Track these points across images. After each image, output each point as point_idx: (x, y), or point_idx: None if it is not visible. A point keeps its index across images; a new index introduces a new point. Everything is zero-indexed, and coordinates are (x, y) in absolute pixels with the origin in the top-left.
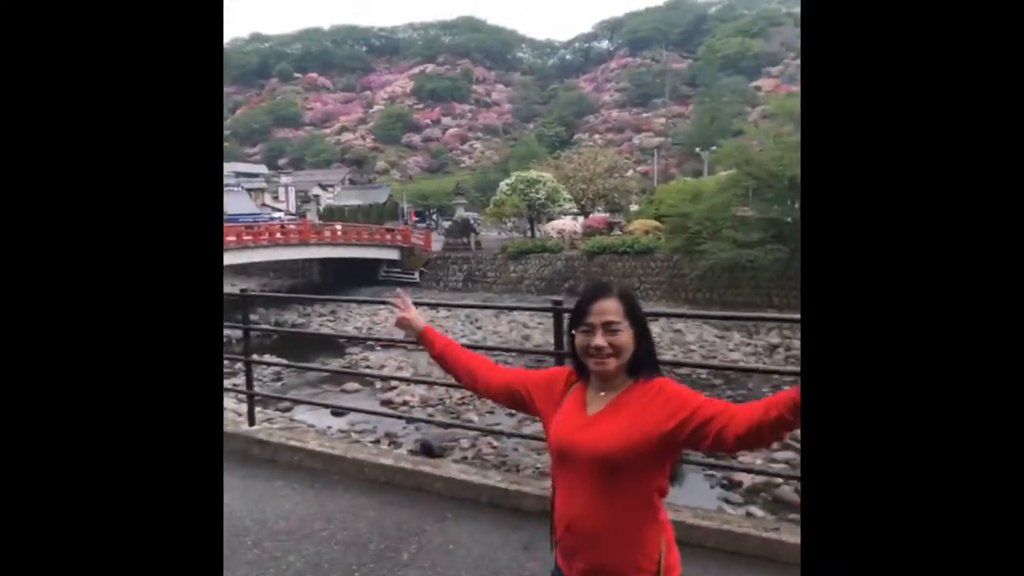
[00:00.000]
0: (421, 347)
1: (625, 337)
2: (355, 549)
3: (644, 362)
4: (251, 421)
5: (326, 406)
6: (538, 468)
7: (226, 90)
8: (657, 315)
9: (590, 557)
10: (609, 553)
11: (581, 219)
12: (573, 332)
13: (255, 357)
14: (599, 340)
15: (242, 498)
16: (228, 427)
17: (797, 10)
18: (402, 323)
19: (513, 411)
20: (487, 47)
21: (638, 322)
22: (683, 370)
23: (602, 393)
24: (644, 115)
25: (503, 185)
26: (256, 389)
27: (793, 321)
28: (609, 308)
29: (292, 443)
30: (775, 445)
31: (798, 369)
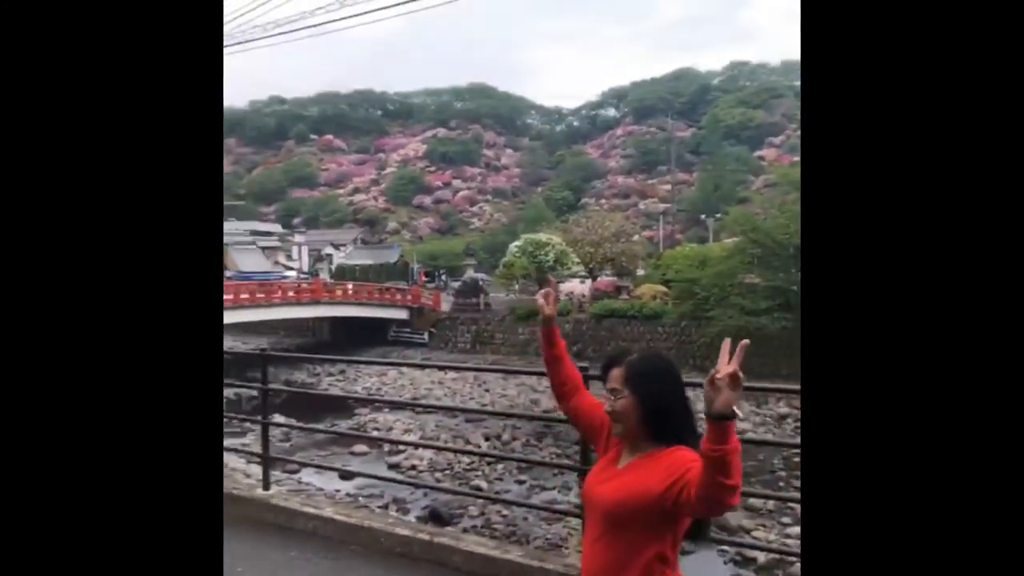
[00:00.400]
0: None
1: (623, 404)
2: None
3: (663, 429)
4: (266, 485)
5: (335, 469)
6: (548, 539)
7: (244, 150)
8: None
9: None
10: None
11: (589, 282)
12: None
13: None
14: (607, 405)
15: (256, 568)
16: (242, 492)
17: (798, 83)
18: (542, 308)
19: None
20: (497, 113)
21: (639, 389)
22: None
23: (631, 452)
24: (649, 182)
25: (513, 247)
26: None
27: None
28: (615, 375)
29: (307, 509)
30: (788, 519)
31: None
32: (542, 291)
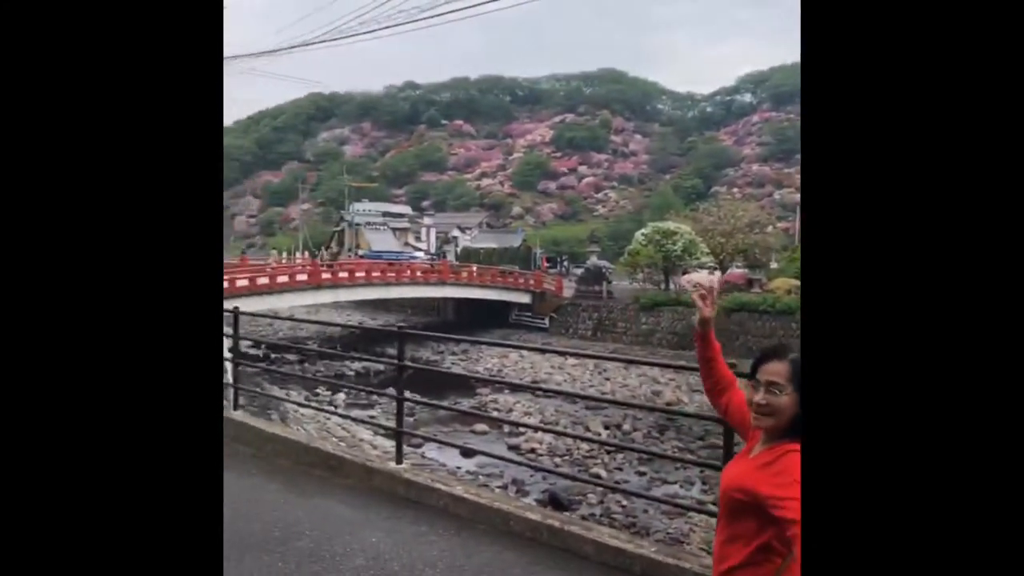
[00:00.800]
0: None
1: (785, 400)
2: None
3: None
4: (399, 459)
5: (458, 446)
6: (669, 534)
7: (378, 134)
8: None
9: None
10: None
11: (718, 274)
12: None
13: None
14: (759, 397)
15: (389, 539)
16: (375, 463)
17: None
18: (702, 310)
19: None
20: (627, 98)
21: None
22: None
23: (763, 443)
24: (786, 170)
25: (639, 235)
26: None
27: None
28: (776, 370)
29: (438, 486)
30: None
31: None
32: (699, 291)
